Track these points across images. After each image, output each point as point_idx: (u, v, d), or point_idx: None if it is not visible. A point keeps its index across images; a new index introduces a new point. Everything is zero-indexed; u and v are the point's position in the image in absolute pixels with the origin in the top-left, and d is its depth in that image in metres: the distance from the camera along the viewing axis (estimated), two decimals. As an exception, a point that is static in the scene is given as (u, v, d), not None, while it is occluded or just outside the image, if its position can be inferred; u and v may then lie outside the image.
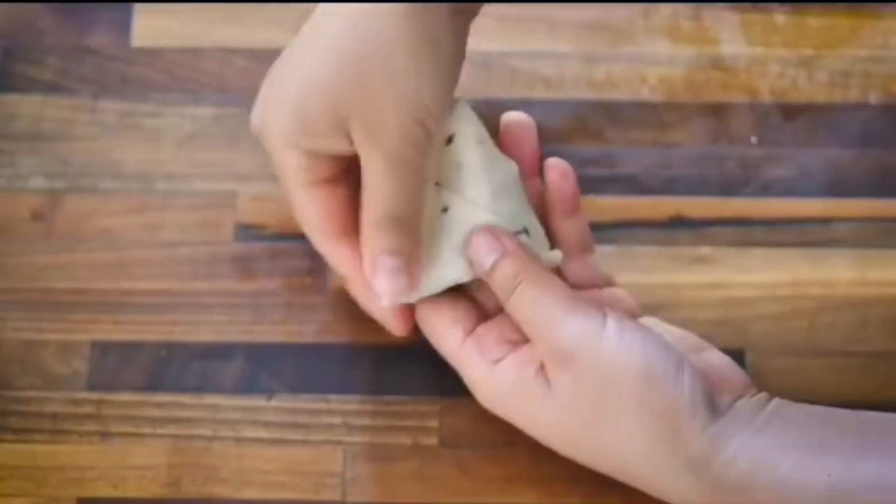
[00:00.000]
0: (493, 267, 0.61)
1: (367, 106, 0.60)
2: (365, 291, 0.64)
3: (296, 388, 0.67)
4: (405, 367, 0.67)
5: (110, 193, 0.71)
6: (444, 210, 0.63)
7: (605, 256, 0.68)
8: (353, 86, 0.60)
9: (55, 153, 0.72)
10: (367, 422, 0.66)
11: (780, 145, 0.73)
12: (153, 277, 0.69)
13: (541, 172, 0.66)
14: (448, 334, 0.63)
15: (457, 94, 0.63)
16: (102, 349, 0.68)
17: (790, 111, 0.74)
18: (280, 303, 0.69)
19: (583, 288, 0.65)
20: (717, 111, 0.73)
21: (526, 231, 0.63)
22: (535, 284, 0.61)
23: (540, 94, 0.74)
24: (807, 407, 0.60)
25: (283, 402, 0.67)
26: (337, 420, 0.66)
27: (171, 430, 0.66)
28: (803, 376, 0.67)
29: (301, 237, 0.66)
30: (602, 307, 0.61)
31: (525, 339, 0.62)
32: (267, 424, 0.66)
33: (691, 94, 0.74)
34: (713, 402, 0.59)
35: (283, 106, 0.62)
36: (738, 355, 0.66)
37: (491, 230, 0.62)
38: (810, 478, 0.57)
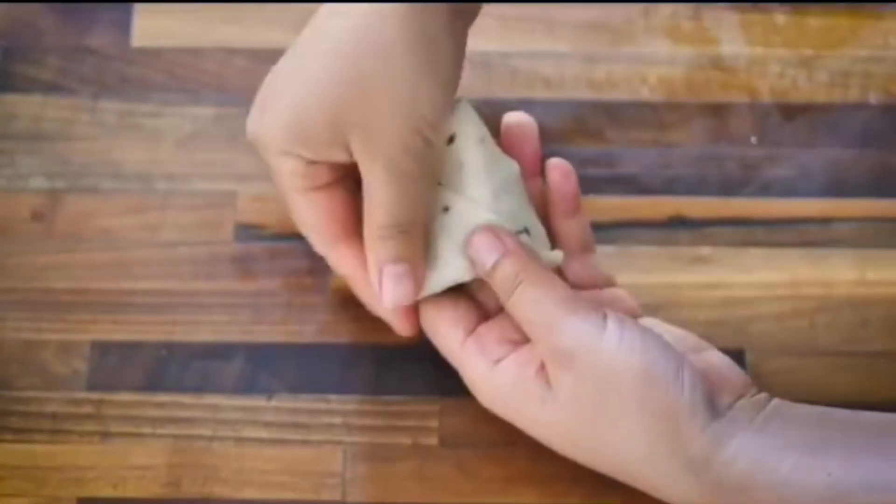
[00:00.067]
0: (494, 266, 0.61)
1: (365, 110, 0.60)
2: (369, 292, 0.64)
3: (296, 388, 0.67)
4: (405, 367, 0.67)
5: (110, 193, 0.71)
6: (445, 209, 0.63)
7: (605, 256, 0.68)
8: (353, 87, 0.60)
9: (55, 153, 0.72)
10: (367, 422, 0.66)
11: (780, 145, 0.73)
12: (153, 277, 0.69)
13: (542, 172, 0.66)
14: (449, 333, 0.63)
15: (457, 94, 0.63)
16: (102, 349, 0.68)
17: (790, 111, 0.74)
18: (280, 303, 0.69)
19: (583, 288, 0.65)
20: (717, 111, 0.73)
21: (527, 231, 0.63)
22: (536, 284, 0.61)
23: (540, 94, 0.74)
24: (807, 407, 0.60)
25: (283, 402, 0.67)
26: (337, 420, 0.66)
27: (171, 430, 0.66)
28: (803, 376, 0.67)
29: (301, 237, 0.66)
30: (602, 307, 0.61)
31: (526, 339, 0.62)
32: (267, 424, 0.66)
33: (691, 94, 0.74)
34: (713, 403, 0.59)
35: (281, 113, 0.61)
36: (737, 355, 0.66)
37: (492, 229, 0.62)
38: (810, 478, 0.57)
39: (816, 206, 0.71)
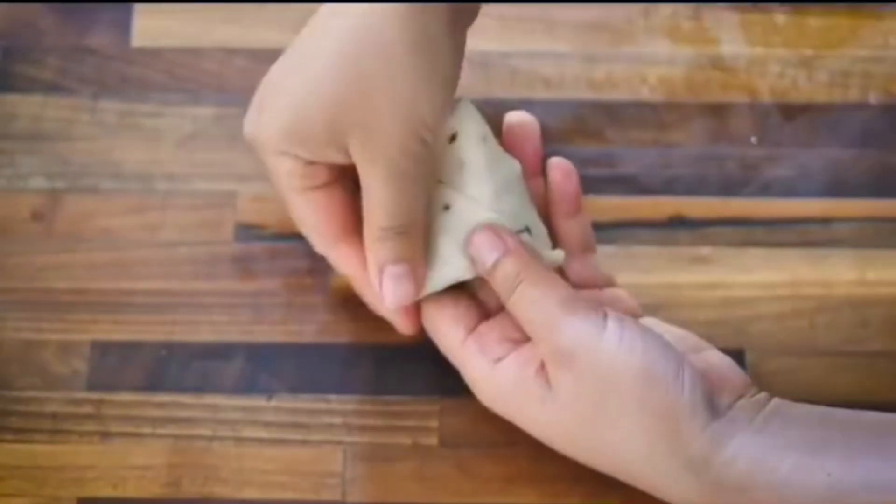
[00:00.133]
0: (495, 265, 0.61)
1: (365, 110, 0.60)
2: (370, 291, 0.64)
3: (296, 388, 0.67)
4: (405, 367, 0.67)
5: (110, 193, 0.71)
6: (446, 208, 0.63)
7: (606, 256, 0.68)
8: (353, 87, 0.60)
9: (55, 153, 0.72)
10: (367, 422, 0.66)
11: (780, 145, 0.73)
12: (153, 277, 0.69)
13: (543, 172, 0.66)
14: (450, 332, 0.63)
15: (457, 94, 0.63)
16: (102, 349, 0.68)
17: (790, 111, 0.74)
18: (280, 303, 0.69)
19: (584, 288, 0.65)
20: (717, 111, 0.73)
21: (528, 230, 0.63)
22: (536, 284, 0.61)
23: (540, 94, 0.74)
24: (807, 407, 0.60)
25: (283, 402, 0.67)
26: (337, 420, 0.66)
27: (171, 430, 0.66)
28: (803, 376, 0.67)
29: (301, 237, 0.66)
30: (603, 307, 0.61)
31: (526, 338, 0.62)
32: (267, 424, 0.66)
33: (691, 94, 0.74)
34: (713, 402, 0.59)
35: (280, 113, 0.61)
36: (737, 355, 0.66)
37: (493, 228, 0.62)
38: (810, 478, 0.57)
39: (816, 206, 0.71)
